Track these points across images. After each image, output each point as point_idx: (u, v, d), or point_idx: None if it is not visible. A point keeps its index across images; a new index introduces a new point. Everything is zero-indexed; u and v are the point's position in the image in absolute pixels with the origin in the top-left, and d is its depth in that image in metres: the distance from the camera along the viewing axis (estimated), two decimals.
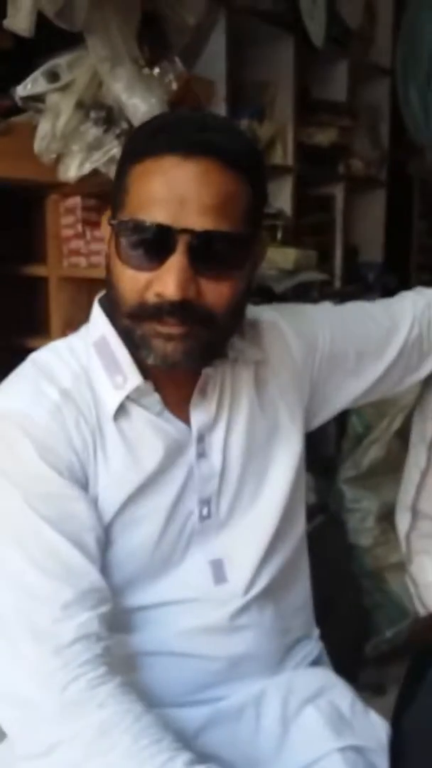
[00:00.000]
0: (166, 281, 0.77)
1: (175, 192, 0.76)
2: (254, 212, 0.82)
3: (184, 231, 0.76)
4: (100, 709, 0.74)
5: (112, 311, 0.87)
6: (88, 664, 0.76)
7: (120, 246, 0.80)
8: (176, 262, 0.76)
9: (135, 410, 0.86)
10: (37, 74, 1.47)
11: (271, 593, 0.95)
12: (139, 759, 0.72)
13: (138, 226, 0.78)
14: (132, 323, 0.81)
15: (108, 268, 0.84)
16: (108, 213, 0.86)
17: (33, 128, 1.55)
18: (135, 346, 0.83)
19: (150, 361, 0.82)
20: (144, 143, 0.80)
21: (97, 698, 0.74)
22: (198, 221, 0.76)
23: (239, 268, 0.81)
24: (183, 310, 0.78)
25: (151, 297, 0.78)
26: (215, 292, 0.79)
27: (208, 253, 0.77)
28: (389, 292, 1.14)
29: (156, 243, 0.77)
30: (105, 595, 0.81)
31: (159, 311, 0.78)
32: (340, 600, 1.97)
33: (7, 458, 0.82)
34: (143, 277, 0.79)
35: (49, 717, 0.74)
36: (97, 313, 0.90)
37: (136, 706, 0.75)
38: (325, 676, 1.00)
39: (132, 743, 0.72)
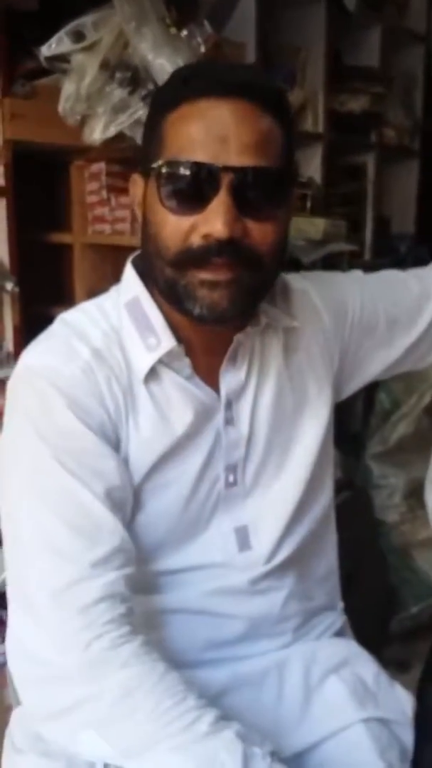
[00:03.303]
0: (213, 221, 0.76)
1: (215, 132, 0.76)
2: (289, 153, 0.81)
3: (227, 169, 0.75)
4: (123, 669, 0.73)
5: (146, 272, 0.85)
6: (111, 623, 0.75)
7: (161, 191, 0.79)
8: (222, 201, 0.76)
9: (165, 373, 0.85)
10: (62, 34, 1.45)
11: (293, 562, 0.94)
12: (163, 721, 0.71)
13: (181, 167, 0.77)
14: (175, 273, 0.80)
15: (144, 220, 0.83)
16: (135, 175, 0.85)
17: (58, 92, 1.53)
18: (178, 299, 0.81)
19: (196, 311, 0.80)
20: (178, 89, 0.80)
21: (120, 657, 0.74)
22: (239, 159, 0.76)
23: (282, 206, 0.81)
24: (231, 250, 0.77)
25: (196, 240, 0.77)
26: (260, 233, 0.78)
27: (251, 191, 0.77)
28: (422, 264, 1.11)
29: (199, 183, 0.76)
30: (131, 556, 0.80)
31: (206, 254, 0.77)
32: (366, 575, 1.95)
33: (38, 412, 0.80)
34: (187, 221, 0.78)
35: (72, 676, 0.74)
36: (130, 273, 0.88)
37: (159, 666, 0.75)
38: (349, 647, 1.00)
39: (156, 705, 0.72)
